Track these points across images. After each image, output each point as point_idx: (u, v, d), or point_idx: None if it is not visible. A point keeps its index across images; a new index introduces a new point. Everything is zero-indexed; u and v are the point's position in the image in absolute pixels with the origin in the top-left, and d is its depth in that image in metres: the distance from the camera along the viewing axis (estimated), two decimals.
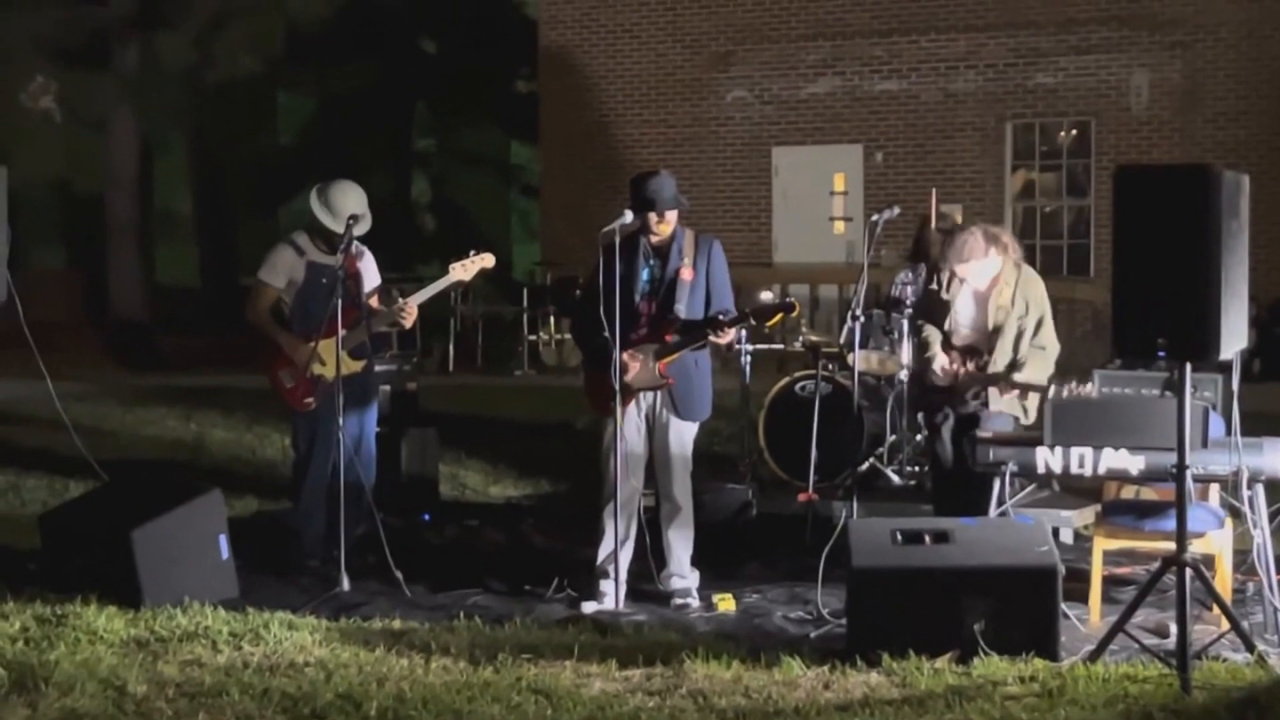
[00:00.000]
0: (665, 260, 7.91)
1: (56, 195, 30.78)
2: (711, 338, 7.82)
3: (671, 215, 7.88)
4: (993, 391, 8.32)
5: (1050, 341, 8.38)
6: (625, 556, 7.89)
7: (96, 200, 25.69)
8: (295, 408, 8.69)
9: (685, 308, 7.84)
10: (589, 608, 7.75)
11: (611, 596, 7.80)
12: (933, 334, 8.57)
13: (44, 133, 25.54)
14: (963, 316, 8.49)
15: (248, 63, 23.62)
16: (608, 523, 7.87)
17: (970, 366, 8.39)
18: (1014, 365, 8.29)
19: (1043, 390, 8.15)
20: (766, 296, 12.62)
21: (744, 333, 10.10)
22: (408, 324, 8.75)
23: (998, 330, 8.35)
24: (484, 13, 30.75)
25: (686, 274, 7.87)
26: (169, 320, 24.71)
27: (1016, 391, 8.25)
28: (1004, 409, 8.29)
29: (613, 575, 7.81)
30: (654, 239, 7.91)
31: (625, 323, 7.77)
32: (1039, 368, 8.28)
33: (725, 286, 8.00)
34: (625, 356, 7.78)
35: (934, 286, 8.66)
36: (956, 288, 8.50)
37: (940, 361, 8.44)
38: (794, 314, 8.04)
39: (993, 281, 8.40)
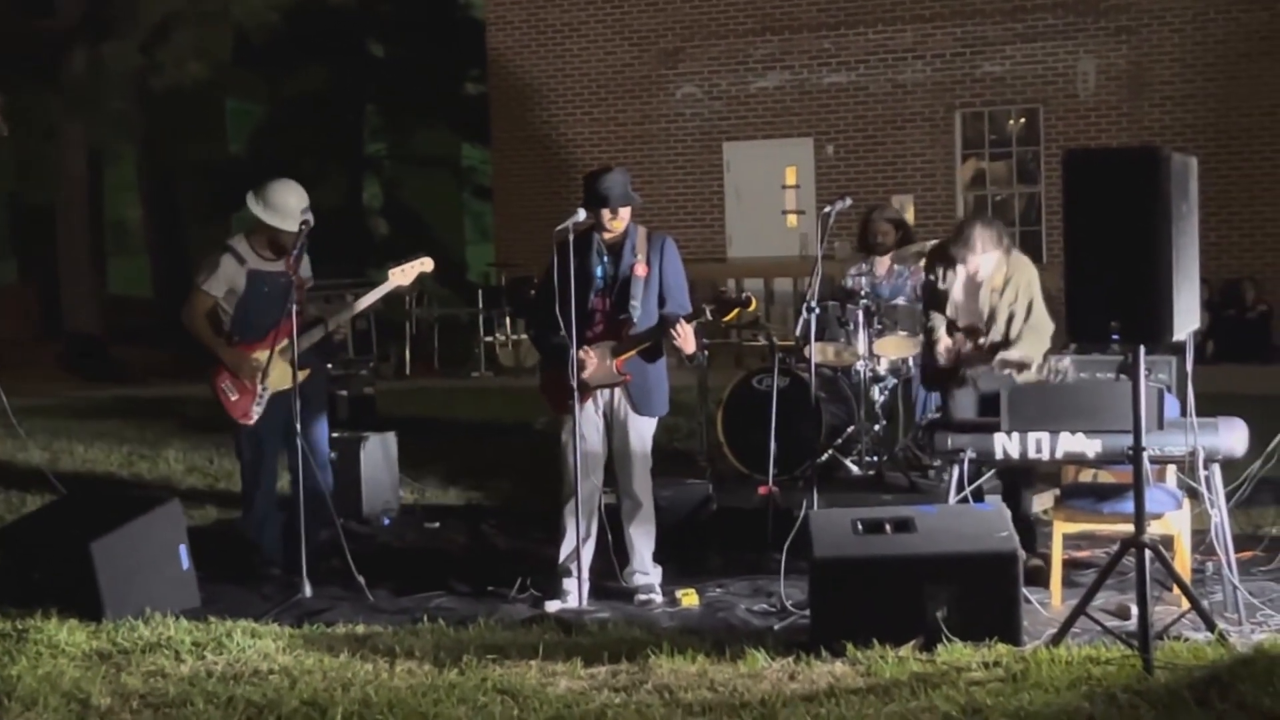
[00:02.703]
0: (619, 257, 7.90)
1: (5, 208, 30.60)
2: (671, 336, 7.79)
3: (625, 212, 7.87)
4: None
5: (1042, 322, 8.46)
6: (587, 554, 7.88)
7: (46, 212, 25.54)
8: (238, 420, 8.62)
9: (640, 304, 7.83)
10: (553, 607, 7.74)
11: (575, 595, 7.79)
12: (938, 321, 8.72)
13: None
14: (959, 301, 8.60)
15: (195, 70, 23.48)
16: (569, 521, 7.87)
17: (970, 346, 8.50)
18: (1005, 345, 8.38)
19: (1030, 365, 8.27)
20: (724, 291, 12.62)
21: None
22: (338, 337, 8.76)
23: (991, 314, 8.45)
24: (431, 15, 30.69)
25: (640, 270, 7.86)
26: (122, 331, 24.57)
27: (1012, 370, 8.31)
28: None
29: (575, 574, 7.81)
30: (607, 236, 7.90)
31: (581, 321, 7.77)
32: (1031, 344, 8.38)
33: (680, 284, 7.99)
34: (581, 354, 7.77)
35: (931, 277, 8.74)
36: (951, 277, 8.58)
37: (944, 344, 8.59)
38: (751, 308, 8.03)
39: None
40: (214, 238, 27.45)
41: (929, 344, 8.82)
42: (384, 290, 8.71)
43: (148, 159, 28.24)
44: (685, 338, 7.77)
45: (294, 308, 8.14)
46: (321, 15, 27.42)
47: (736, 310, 7.90)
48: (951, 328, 8.66)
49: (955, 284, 8.62)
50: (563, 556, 7.92)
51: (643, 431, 7.96)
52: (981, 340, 8.52)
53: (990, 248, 8.43)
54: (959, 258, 8.51)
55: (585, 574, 7.82)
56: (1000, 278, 8.47)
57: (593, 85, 23.20)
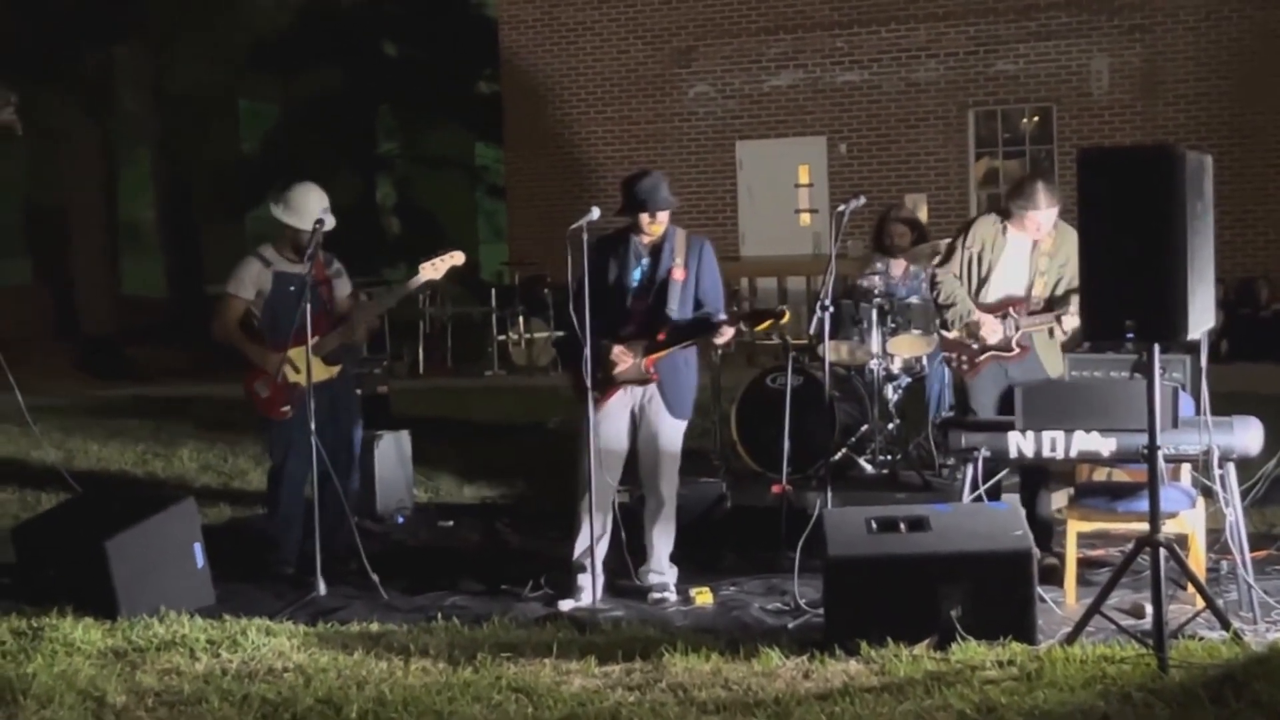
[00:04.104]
0: (657, 260, 7.88)
1: (20, 209, 30.65)
2: (714, 338, 7.86)
3: (664, 215, 7.87)
4: (1039, 337, 8.33)
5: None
6: (601, 552, 7.89)
7: (61, 213, 25.57)
8: (272, 417, 8.64)
9: (677, 307, 7.83)
10: (566, 605, 7.74)
11: (589, 593, 7.79)
12: (961, 302, 8.46)
13: (5, 146, 25.42)
14: (1010, 269, 8.39)
15: (209, 71, 23.52)
16: (584, 519, 7.87)
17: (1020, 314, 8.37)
18: (1056, 305, 8.27)
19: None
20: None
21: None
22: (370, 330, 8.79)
23: (1036, 276, 8.33)
24: (444, 14, 30.71)
25: (679, 274, 7.85)
26: (136, 331, 24.60)
27: (1064, 334, 8.23)
28: (1049, 367, 8.32)
29: (590, 571, 7.81)
30: (646, 239, 7.90)
31: (617, 322, 7.78)
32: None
33: (716, 287, 8.00)
34: (618, 349, 7.78)
35: (970, 248, 8.46)
36: (1001, 244, 8.39)
37: (990, 320, 8.34)
38: (784, 320, 8.03)
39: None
40: (228, 238, 27.55)
41: (963, 326, 8.55)
42: (416, 284, 8.70)
43: (162, 159, 28.26)
44: (728, 339, 7.94)
45: (308, 306, 8.15)
46: (333, 16, 27.47)
47: (770, 321, 7.92)
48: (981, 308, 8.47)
49: (1002, 254, 8.43)
50: (577, 554, 7.92)
51: (675, 432, 7.98)
52: (1019, 309, 8.35)
53: (1053, 204, 8.25)
54: (1018, 212, 8.26)
55: (599, 572, 7.82)
56: (1052, 241, 8.34)
57: (606, 84, 23.21)
